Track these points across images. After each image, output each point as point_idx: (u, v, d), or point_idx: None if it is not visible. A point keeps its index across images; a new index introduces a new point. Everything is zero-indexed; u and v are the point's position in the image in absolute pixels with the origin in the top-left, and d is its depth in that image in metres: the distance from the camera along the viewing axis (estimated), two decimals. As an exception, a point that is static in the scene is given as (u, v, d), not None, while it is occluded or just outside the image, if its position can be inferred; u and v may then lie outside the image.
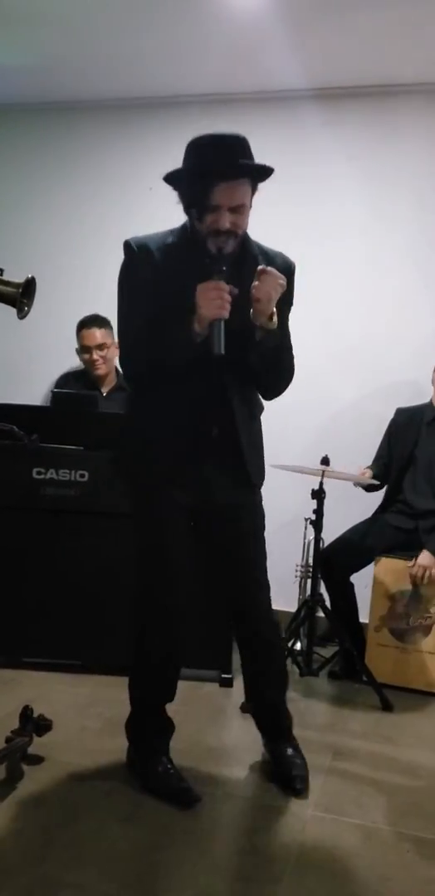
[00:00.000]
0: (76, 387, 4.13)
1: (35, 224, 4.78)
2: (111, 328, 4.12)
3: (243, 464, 2.43)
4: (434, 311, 4.18)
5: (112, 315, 4.10)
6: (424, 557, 3.57)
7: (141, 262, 2.36)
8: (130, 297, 2.40)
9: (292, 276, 2.44)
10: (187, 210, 2.35)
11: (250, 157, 2.29)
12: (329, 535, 3.66)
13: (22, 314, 2.33)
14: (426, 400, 3.88)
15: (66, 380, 4.22)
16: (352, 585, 3.75)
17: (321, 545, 3.58)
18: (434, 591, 3.58)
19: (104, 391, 4.10)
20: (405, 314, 4.20)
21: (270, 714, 2.67)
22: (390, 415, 3.93)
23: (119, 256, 4.68)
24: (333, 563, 3.63)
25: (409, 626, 3.62)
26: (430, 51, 3.81)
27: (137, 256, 2.37)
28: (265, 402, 2.59)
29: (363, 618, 3.77)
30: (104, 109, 4.66)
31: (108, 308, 4.20)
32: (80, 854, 2.10)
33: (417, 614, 3.60)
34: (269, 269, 2.27)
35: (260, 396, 2.55)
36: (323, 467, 3.44)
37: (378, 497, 3.91)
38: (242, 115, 4.31)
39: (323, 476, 3.46)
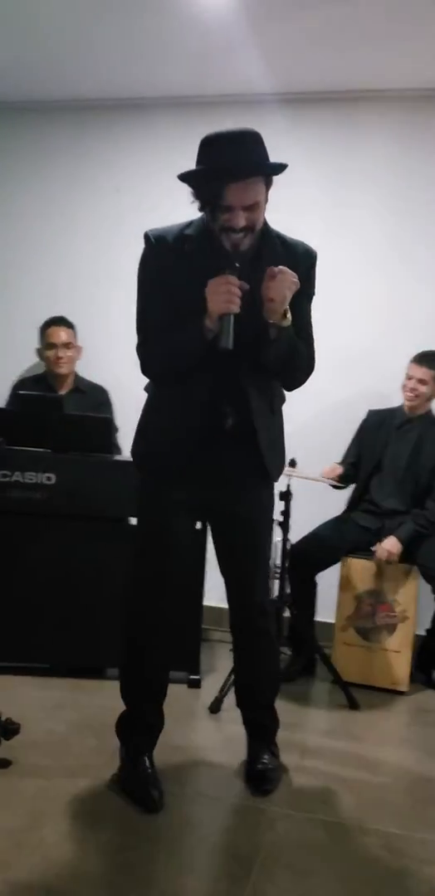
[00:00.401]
0: (35, 390, 4.11)
1: (2, 227, 4.76)
2: (75, 333, 4.13)
3: (260, 456, 2.43)
4: (398, 315, 4.24)
5: (76, 319, 4.18)
6: (389, 542, 3.64)
7: (158, 255, 2.37)
8: (147, 292, 2.42)
9: (314, 266, 2.45)
10: (202, 209, 2.33)
11: (263, 152, 2.28)
12: (297, 537, 3.69)
13: None
14: (391, 405, 3.96)
15: (24, 384, 4.20)
16: (315, 584, 3.79)
17: (288, 546, 3.61)
18: (398, 590, 3.64)
19: (62, 392, 4.09)
20: (369, 319, 4.25)
21: (255, 709, 2.69)
22: (356, 417, 3.98)
23: (88, 257, 4.71)
24: (301, 558, 3.66)
25: (374, 624, 3.67)
26: (391, 58, 3.87)
27: (155, 249, 2.38)
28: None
29: (330, 617, 3.82)
30: (72, 110, 4.66)
31: (74, 311, 4.24)
32: (48, 857, 2.09)
33: (382, 613, 3.65)
34: (282, 268, 2.26)
35: (283, 389, 2.56)
36: (290, 469, 3.46)
37: (345, 497, 3.96)
38: (208, 117, 4.32)
39: (290, 478, 3.49)
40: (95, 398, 4.06)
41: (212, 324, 2.24)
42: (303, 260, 2.39)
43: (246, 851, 2.19)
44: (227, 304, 2.21)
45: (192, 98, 4.37)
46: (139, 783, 2.42)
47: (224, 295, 2.21)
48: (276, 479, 2.55)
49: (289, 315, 2.29)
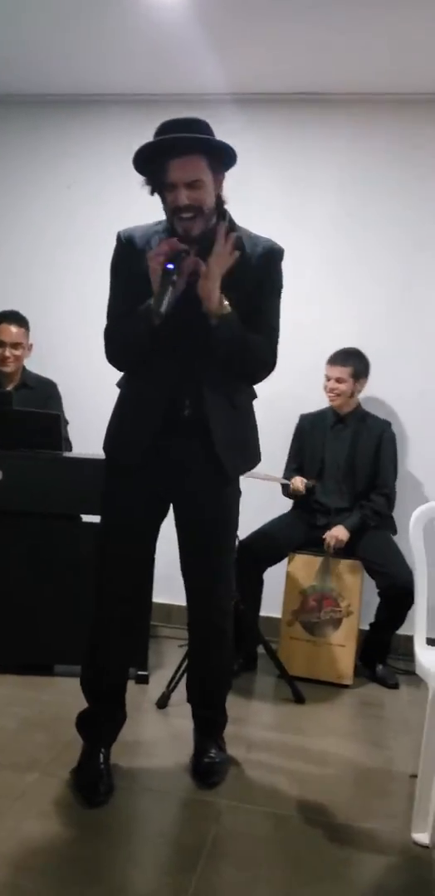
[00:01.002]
0: None
1: None
2: (28, 329, 4.08)
3: (214, 453, 2.42)
4: (348, 316, 4.31)
5: (29, 313, 4.14)
6: (337, 529, 3.74)
7: (125, 255, 2.44)
8: (112, 285, 2.49)
9: (276, 262, 2.47)
10: (153, 194, 2.39)
11: (208, 135, 2.34)
12: (243, 531, 3.73)
13: None
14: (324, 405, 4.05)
15: None
16: (262, 582, 3.85)
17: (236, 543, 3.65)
18: (343, 585, 3.72)
19: (9, 388, 4.05)
20: (321, 318, 4.31)
21: (206, 706, 2.71)
22: (287, 418, 4.07)
23: (36, 254, 4.66)
24: (249, 554, 3.71)
25: (319, 619, 3.74)
26: (347, 61, 3.93)
27: (123, 248, 2.46)
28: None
29: (275, 612, 3.88)
30: (24, 105, 4.61)
31: (26, 305, 4.20)
32: (-4, 852, 2.10)
33: (327, 608, 3.72)
34: (208, 264, 2.29)
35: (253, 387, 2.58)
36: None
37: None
38: (162, 115, 4.31)
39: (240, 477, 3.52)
40: (43, 392, 4.02)
41: (154, 287, 2.26)
42: (262, 255, 2.42)
43: (193, 844, 2.23)
44: (155, 258, 2.25)
45: (146, 96, 4.37)
46: (88, 778, 2.44)
47: (160, 255, 2.26)
48: (232, 476, 2.52)
49: (225, 303, 2.31)
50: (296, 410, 4.11)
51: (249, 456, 2.58)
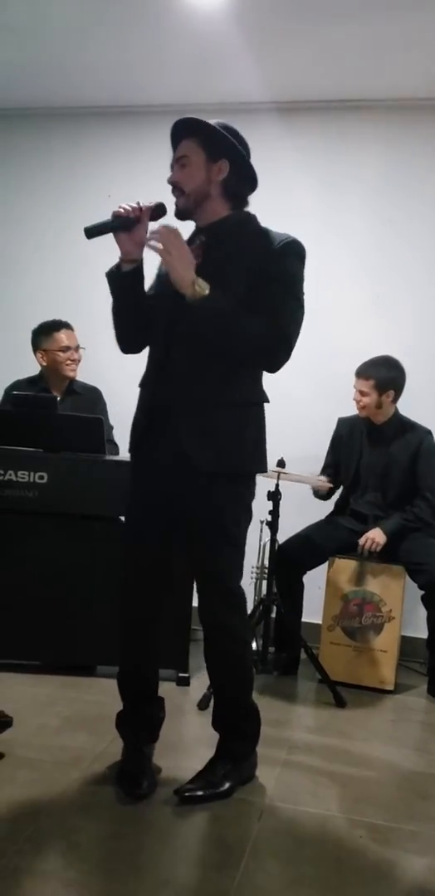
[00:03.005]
0: (31, 391, 4.14)
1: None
2: None
3: (182, 448, 2.34)
4: (383, 320, 4.31)
5: (69, 319, 4.21)
6: (374, 531, 3.71)
7: None
8: None
9: (285, 252, 2.37)
10: None
11: (204, 125, 2.40)
12: (284, 538, 3.75)
13: None
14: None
15: (18, 386, 4.22)
16: (302, 586, 3.85)
17: (276, 547, 3.66)
18: (385, 590, 3.70)
19: (57, 395, 4.12)
20: (356, 323, 4.32)
21: (227, 707, 2.59)
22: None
23: (79, 265, 4.73)
24: (289, 558, 3.72)
25: (361, 624, 3.72)
26: (385, 67, 3.95)
27: None
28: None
29: (316, 618, 3.87)
30: (66, 117, 4.71)
31: (66, 315, 4.27)
32: (42, 845, 2.12)
33: (368, 613, 3.71)
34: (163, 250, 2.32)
35: (256, 382, 2.47)
36: (279, 469, 3.52)
37: (331, 501, 4.02)
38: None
39: (279, 478, 3.54)
40: (91, 399, 4.10)
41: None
42: (272, 246, 2.37)
43: (235, 841, 2.23)
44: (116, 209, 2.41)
45: (186, 106, 4.36)
46: (129, 772, 2.47)
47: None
48: (204, 469, 2.34)
49: (202, 286, 2.26)
50: (337, 413, 4.10)
51: (234, 453, 2.38)
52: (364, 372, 3.85)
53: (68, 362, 4.07)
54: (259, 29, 3.66)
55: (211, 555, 2.42)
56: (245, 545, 2.49)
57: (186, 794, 2.42)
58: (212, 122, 2.42)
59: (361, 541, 3.71)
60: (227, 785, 2.47)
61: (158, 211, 2.45)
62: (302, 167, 4.36)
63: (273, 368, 2.40)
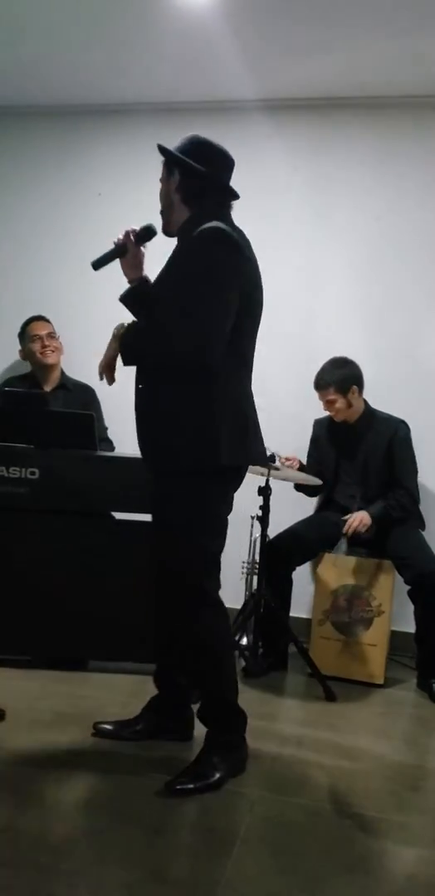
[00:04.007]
0: (21, 388, 4.16)
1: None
2: (53, 329, 4.22)
3: (140, 441, 2.56)
4: (369, 319, 4.33)
5: (59, 321, 4.24)
6: (360, 512, 3.76)
7: None
8: None
9: (195, 242, 2.41)
10: None
11: (159, 148, 2.59)
12: (274, 533, 3.77)
13: None
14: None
15: (10, 383, 4.26)
16: (291, 581, 3.88)
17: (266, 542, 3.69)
18: (374, 585, 3.73)
19: (48, 388, 4.15)
20: (344, 321, 4.34)
21: (204, 698, 2.64)
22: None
23: (69, 261, 4.75)
24: (279, 553, 3.75)
25: (350, 619, 3.75)
26: (373, 64, 3.97)
27: None
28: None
29: (307, 613, 3.90)
30: (55, 115, 4.71)
31: (53, 311, 4.29)
32: (32, 839, 2.14)
33: (358, 608, 3.73)
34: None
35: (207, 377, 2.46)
36: (269, 464, 3.54)
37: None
38: (191, 124, 4.38)
39: (269, 473, 3.56)
40: (82, 396, 4.12)
41: None
42: (193, 238, 2.43)
43: (226, 832, 2.25)
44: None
45: (175, 104, 4.44)
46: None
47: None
48: (149, 467, 2.57)
49: (117, 326, 2.58)
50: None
51: (171, 450, 2.48)
52: (322, 382, 3.87)
53: (41, 350, 4.12)
54: (248, 27, 3.68)
55: (158, 546, 2.56)
56: (203, 539, 2.50)
57: (178, 787, 2.44)
58: (183, 138, 2.61)
59: (349, 520, 3.73)
60: (217, 776, 2.49)
61: (146, 233, 2.58)
62: (291, 165, 4.38)
63: (199, 366, 2.39)
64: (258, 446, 2.62)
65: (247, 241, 2.53)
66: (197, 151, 2.56)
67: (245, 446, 2.53)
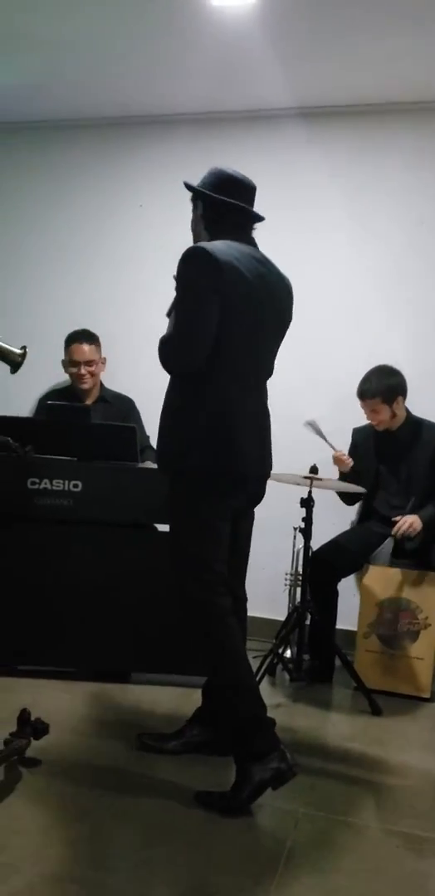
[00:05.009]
0: (62, 401, 4.18)
1: (25, 240, 4.85)
2: (99, 344, 4.20)
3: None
4: (413, 327, 4.27)
5: (100, 331, 4.26)
6: (411, 516, 3.68)
7: None
8: None
9: (182, 263, 2.57)
10: None
11: (198, 184, 2.73)
12: (316, 544, 3.73)
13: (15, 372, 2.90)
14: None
15: (51, 396, 4.28)
16: (337, 593, 3.83)
17: (310, 553, 3.65)
18: (420, 597, 3.66)
19: (88, 402, 4.17)
20: (386, 330, 4.28)
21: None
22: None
23: (109, 272, 4.78)
24: (323, 565, 3.70)
25: (397, 632, 3.69)
26: (411, 72, 3.92)
27: None
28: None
29: (352, 625, 3.85)
30: (96, 128, 4.74)
31: (97, 324, 4.32)
32: (77, 852, 2.14)
33: (404, 621, 3.67)
34: None
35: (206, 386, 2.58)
36: (312, 476, 3.51)
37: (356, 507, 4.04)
38: (230, 133, 4.43)
39: (311, 485, 3.53)
40: (122, 408, 4.14)
41: None
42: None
43: (271, 849, 2.23)
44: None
45: (213, 114, 4.44)
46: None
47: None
48: (163, 471, 2.67)
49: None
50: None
51: (165, 454, 2.65)
52: (368, 392, 3.80)
53: (78, 376, 4.11)
54: (285, 35, 3.65)
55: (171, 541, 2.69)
56: (189, 542, 2.59)
57: (205, 798, 2.46)
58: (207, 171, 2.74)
59: (398, 522, 3.66)
60: (249, 789, 2.42)
61: None
62: (328, 172, 4.34)
63: (171, 371, 2.63)
64: (245, 457, 2.60)
65: (245, 256, 2.60)
66: (215, 182, 2.70)
67: (224, 455, 2.56)
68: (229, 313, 2.52)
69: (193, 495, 2.57)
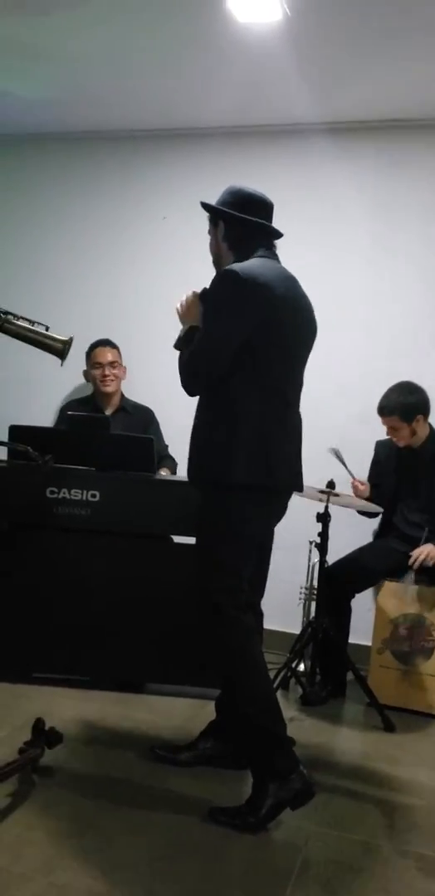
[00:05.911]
0: (82, 411, 4.23)
1: (51, 250, 4.89)
2: (120, 353, 4.26)
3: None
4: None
5: (120, 341, 4.29)
6: (428, 545, 3.66)
7: None
8: None
9: (215, 281, 2.65)
10: None
11: (202, 204, 2.76)
12: (332, 559, 3.73)
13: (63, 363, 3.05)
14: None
15: (71, 406, 4.33)
16: (350, 609, 3.83)
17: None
18: (436, 614, 3.66)
19: (108, 412, 4.21)
20: (409, 344, 4.28)
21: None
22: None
23: (131, 282, 4.80)
24: (338, 580, 3.70)
25: (411, 648, 3.68)
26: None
27: None
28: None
29: (366, 640, 3.84)
30: (121, 140, 4.76)
31: (116, 333, 4.35)
32: (88, 862, 2.16)
33: (418, 637, 3.66)
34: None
35: (246, 402, 2.58)
36: (329, 491, 3.51)
37: (375, 521, 4.02)
38: (255, 147, 4.44)
39: (328, 500, 3.53)
40: (141, 418, 4.17)
41: None
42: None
43: (281, 867, 2.24)
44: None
45: (239, 128, 4.46)
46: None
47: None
48: (196, 484, 2.67)
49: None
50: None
51: (206, 463, 2.61)
52: (386, 408, 3.79)
53: (102, 378, 4.18)
54: (313, 51, 3.66)
55: (196, 554, 2.65)
56: (221, 552, 2.55)
57: (220, 815, 2.44)
58: (223, 191, 2.76)
59: (414, 553, 3.66)
60: (265, 808, 2.41)
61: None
62: (356, 188, 4.35)
63: (188, 391, 2.64)
64: (283, 472, 2.62)
65: (279, 275, 2.63)
66: (236, 201, 2.70)
67: (264, 469, 2.55)
68: (267, 330, 2.54)
69: (239, 510, 2.55)
